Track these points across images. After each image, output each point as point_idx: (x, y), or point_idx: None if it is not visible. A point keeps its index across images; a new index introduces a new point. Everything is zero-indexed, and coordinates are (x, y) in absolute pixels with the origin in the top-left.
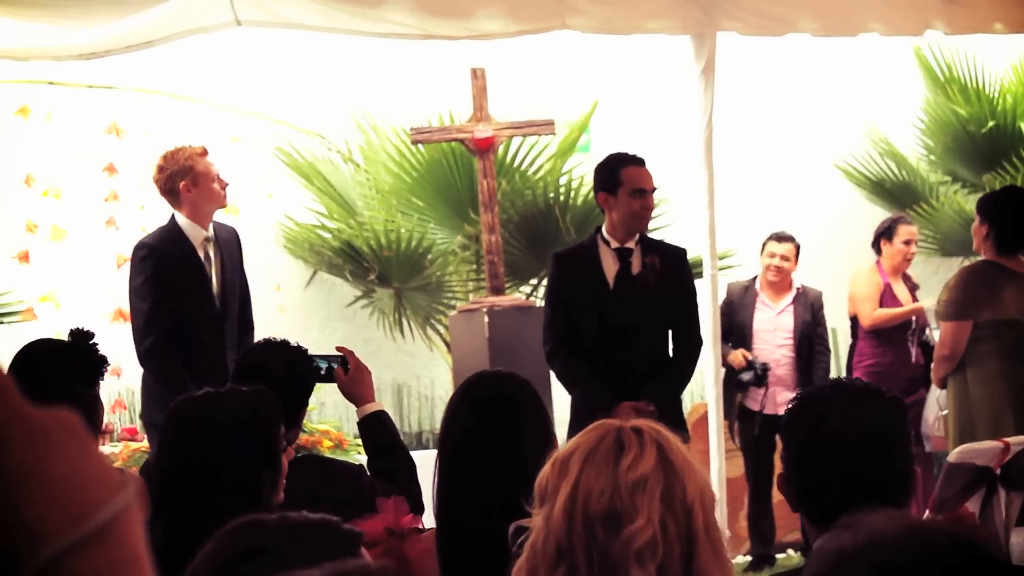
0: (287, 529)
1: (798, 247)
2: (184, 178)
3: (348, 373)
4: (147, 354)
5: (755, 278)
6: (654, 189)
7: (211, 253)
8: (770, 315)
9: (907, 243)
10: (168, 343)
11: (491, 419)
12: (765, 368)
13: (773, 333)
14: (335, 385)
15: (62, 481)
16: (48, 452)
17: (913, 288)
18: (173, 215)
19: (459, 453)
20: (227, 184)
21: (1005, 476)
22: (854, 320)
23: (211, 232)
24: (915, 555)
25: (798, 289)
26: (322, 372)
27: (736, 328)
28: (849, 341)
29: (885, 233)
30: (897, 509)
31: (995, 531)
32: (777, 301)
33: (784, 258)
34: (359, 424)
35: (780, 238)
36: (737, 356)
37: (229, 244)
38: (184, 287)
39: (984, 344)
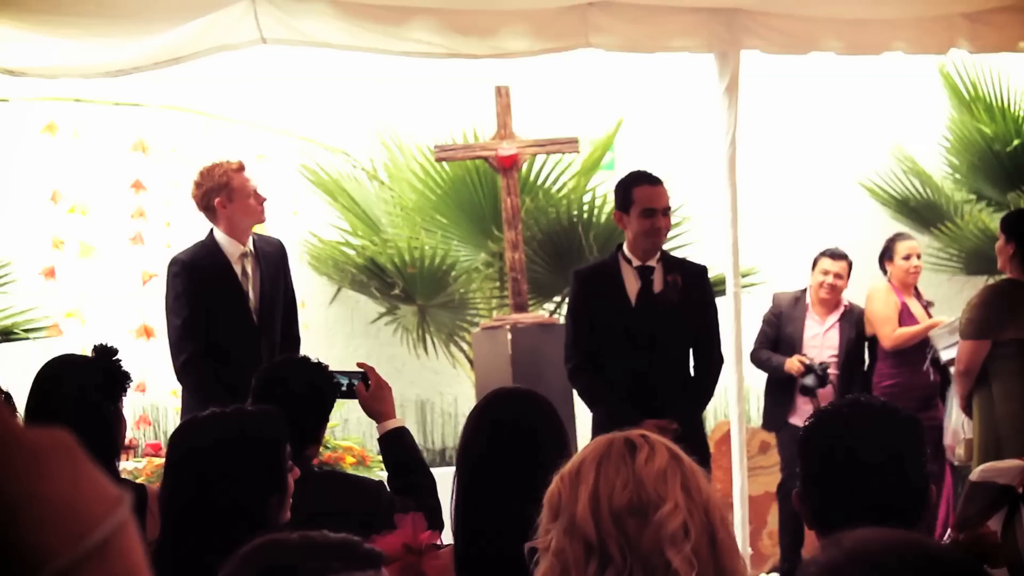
0: (308, 548)
1: (850, 264)
2: (219, 194)
3: (369, 389)
4: (182, 369)
5: (804, 290)
6: (667, 208)
7: (248, 268)
8: (818, 331)
9: (907, 258)
10: (203, 358)
11: (509, 438)
12: (825, 368)
13: (820, 350)
14: (358, 401)
15: (60, 500)
16: (44, 472)
17: (927, 305)
18: (212, 230)
19: (477, 471)
20: (264, 199)
21: None
22: (872, 340)
23: (250, 247)
24: (890, 570)
25: (845, 306)
26: (343, 388)
27: (786, 339)
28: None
29: (885, 254)
30: (911, 527)
31: (1018, 550)
32: (825, 318)
33: (838, 276)
34: (380, 440)
35: (834, 255)
36: (794, 363)
37: (271, 259)
38: (219, 302)
39: (1010, 362)
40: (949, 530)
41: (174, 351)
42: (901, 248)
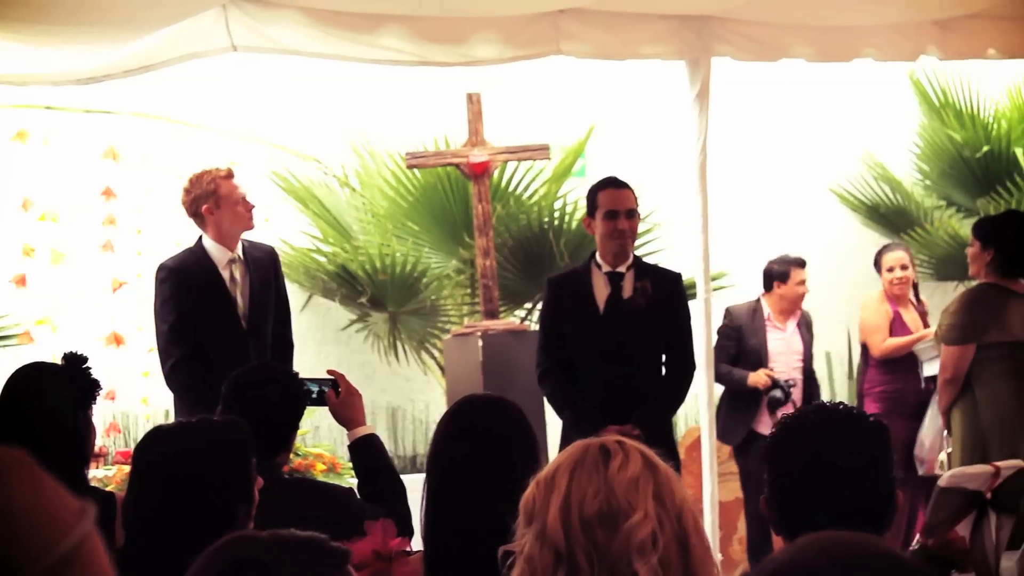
0: (279, 544)
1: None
2: (207, 201)
3: (339, 396)
4: (170, 373)
5: (758, 300)
6: (631, 210)
7: (237, 274)
8: (782, 337)
9: (891, 270)
10: (191, 362)
11: (479, 444)
12: (790, 385)
13: (787, 356)
14: (328, 409)
15: (25, 513)
16: (6, 487)
17: (923, 314)
18: (200, 237)
19: (447, 477)
20: (253, 206)
21: (995, 500)
22: (864, 347)
23: (239, 253)
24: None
25: (800, 311)
26: (313, 396)
27: (751, 351)
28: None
29: (875, 264)
30: (878, 532)
31: (986, 554)
32: (785, 324)
33: (804, 282)
34: (350, 447)
35: (802, 264)
36: (760, 376)
37: (262, 264)
38: (207, 308)
39: (993, 365)
40: (918, 535)
41: (162, 356)
42: (886, 260)
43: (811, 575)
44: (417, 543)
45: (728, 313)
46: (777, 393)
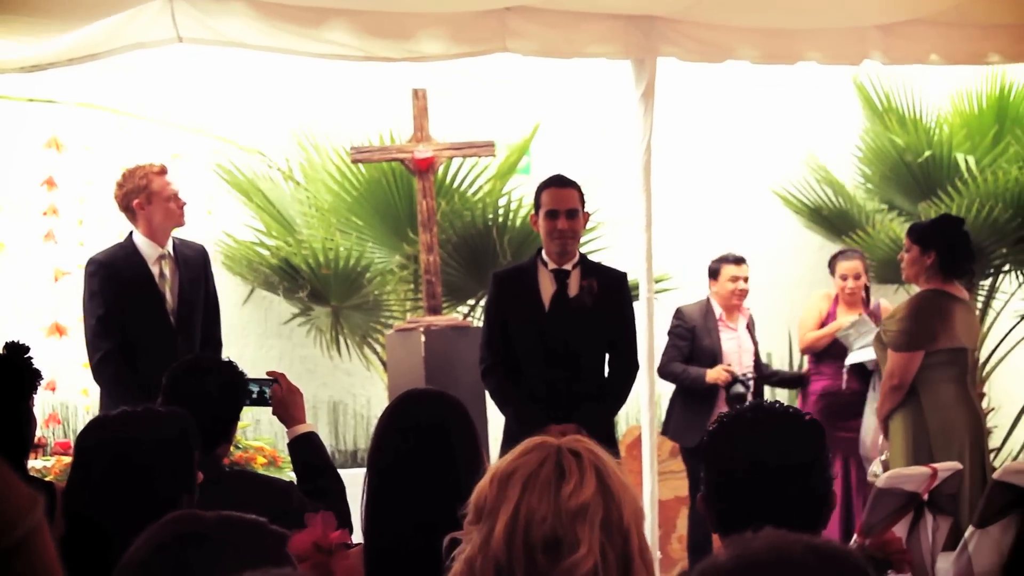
0: (221, 522)
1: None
2: (139, 196)
3: (280, 394)
4: (96, 367)
5: (708, 300)
6: (573, 210)
7: (166, 271)
8: (733, 336)
9: (844, 278)
10: (118, 356)
11: (421, 438)
12: (749, 379)
13: (740, 354)
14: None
15: None
16: None
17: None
18: (131, 232)
19: (389, 472)
20: (184, 203)
21: (932, 502)
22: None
23: (169, 250)
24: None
25: (745, 310)
26: (254, 396)
27: (704, 352)
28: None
29: (830, 267)
30: (814, 531)
31: (922, 555)
32: (734, 322)
33: (745, 279)
34: (289, 445)
35: (738, 260)
36: (720, 372)
37: (192, 262)
38: (135, 303)
39: (938, 371)
40: (855, 535)
41: (90, 349)
42: (840, 268)
43: (755, 573)
44: (356, 538)
45: (680, 313)
46: (739, 388)
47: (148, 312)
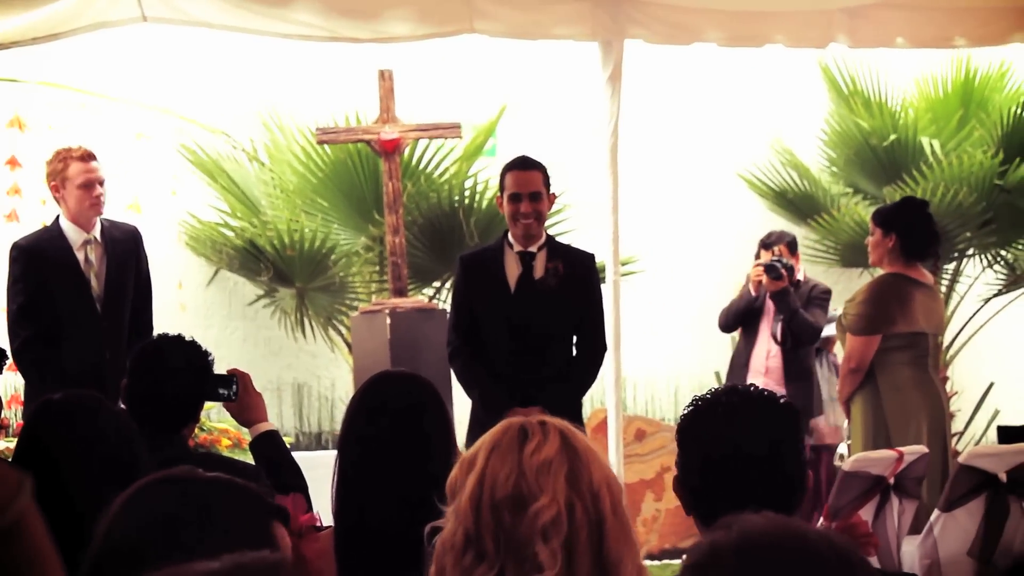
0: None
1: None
2: (55, 179)
3: (238, 397)
4: (17, 352)
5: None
6: (536, 193)
7: (92, 256)
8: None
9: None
10: (39, 342)
11: (393, 420)
12: (780, 259)
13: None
14: (228, 411)
15: None
16: None
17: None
18: (58, 215)
19: (361, 453)
20: (98, 192)
21: (898, 485)
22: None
23: (96, 234)
24: (781, 547)
25: (798, 280)
26: (219, 392)
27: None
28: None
29: (791, 245)
30: (788, 513)
31: (887, 540)
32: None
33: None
34: (251, 444)
35: (768, 244)
36: (753, 272)
37: (122, 245)
38: (59, 288)
39: (895, 355)
40: (821, 519)
41: (10, 335)
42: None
43: (748, 558)
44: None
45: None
46: (775, 265)
47: (73, 298)
